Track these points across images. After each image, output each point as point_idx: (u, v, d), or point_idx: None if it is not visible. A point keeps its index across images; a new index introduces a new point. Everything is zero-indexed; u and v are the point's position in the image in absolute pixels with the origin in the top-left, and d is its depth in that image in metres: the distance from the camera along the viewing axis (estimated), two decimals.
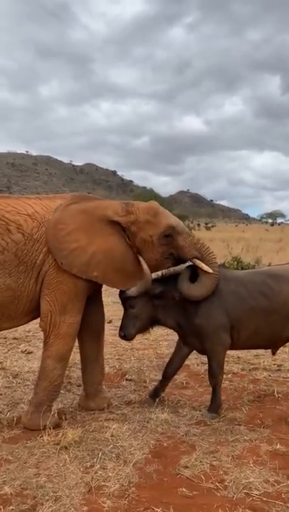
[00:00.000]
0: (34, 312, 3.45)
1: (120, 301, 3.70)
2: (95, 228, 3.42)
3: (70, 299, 3.34)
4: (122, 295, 3.61)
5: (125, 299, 3.60)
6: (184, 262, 3.62)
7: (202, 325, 3.54)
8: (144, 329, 3.73)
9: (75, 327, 3.42)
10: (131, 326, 3.60)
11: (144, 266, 3.45)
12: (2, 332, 5.79)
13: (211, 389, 3.69)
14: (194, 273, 3.54)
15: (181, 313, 3.62)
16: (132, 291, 3.51)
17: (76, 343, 3.62)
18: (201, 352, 3.81)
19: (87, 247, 3.35)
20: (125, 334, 3.60)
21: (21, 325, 3.62)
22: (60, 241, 3.29)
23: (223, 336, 3.56)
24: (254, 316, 3.57)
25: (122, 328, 3.64)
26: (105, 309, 7.14)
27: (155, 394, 3.85)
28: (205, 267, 3.46)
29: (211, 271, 3.46)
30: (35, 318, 3.53)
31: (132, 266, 3.48)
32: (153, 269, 3.57)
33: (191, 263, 3.60)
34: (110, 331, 6.25)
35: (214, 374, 3.62)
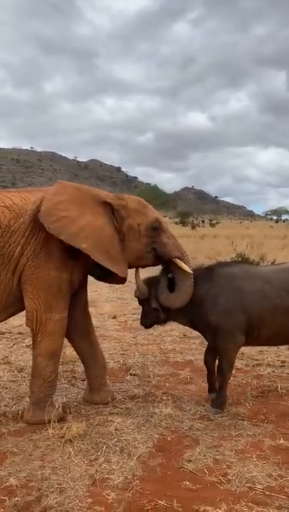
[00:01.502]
0: (12, 307, 3.41)
1: None
2: (87, 205, 3.40)
3: (54, 296, 3.29)
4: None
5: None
6: (163, 260, 3.60)
7: (219, 323, 3.48)
8: (156, 323, 3.82)
9: (62, 324, 3.38)
10: (144, 319, 3.84)
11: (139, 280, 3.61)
12: (7, 327, 5.85)
13: (215, 384, 3.70)
14: (170, 282, 3.61)
15: (194, 310, 3.57)
16: (136, 295, 3.75)
17: None
18: (213, 344, 3.77)
19: (76, 219, 3.29)
20: (141, 323, 3.88)
21: (0, 321, 3.51)
22: (50, 207, 3.23)
23: (238, 336, 3.51)
24: (278, 314, 3.48)
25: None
26: (109, 305, 7.20)
27: (212, 388, 3.82)
28: (186, 267, 3.51)
29: (190, 271, 3.52)
30: (13, 314, 3.50)
31: (116, 251, 3.42)
32: (135, 262, 3.56)
33: (160, 273, 3.70)
34: (115, 326, 6.29)
35: (223, 372, 3.60)
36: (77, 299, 3.61)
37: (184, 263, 3.54)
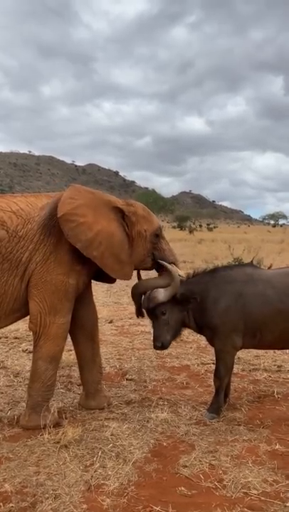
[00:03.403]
0: (18, 312, 3.42)
1: (147, 312, 3.61)
2: (100, 209, 3.48)
3: (60, 299, 3.32)
4: (151, 304, 3.49)
5: (155, 307, 3.49)
6: (158, 264, 3.67)
7: (217, 325, 3.50)
8: (177, 334, 3.64)
9: (65, 327, 3.40)
10: (165, 333, 3.52)
11: (173, 269, 3.52)
12: (3, 331, 5.82)
13: (211, 389, 3.69)
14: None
15: (198, 312, 3.58)
16: (162, 297, 3.44)
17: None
18: (211, 346, 3.75)
19: (93, 224, 3.37)
20: (162, 343, 3.52)
21: (4, 326, 3.50)
22: (69, 213, 3.28)
23: (235, 339, 3.51)
24: (281, 319, 3.46)
25: (156, 338, 3.53)
26: (106, 309, 7.19)
27: (225, 395, 3.75)
28: (180, 272, 3.68)
29: (184, 276, 3.69)
30: (18, 319, 3.51)
31: (126, 255, 3.52)
32: (138, 265, 3.68)
33: None
34: (111, 331, 6.28)
35: (220, 376, 3.59)
36: (83, 299, 3.65)
37: (177, 268, 3.71)
